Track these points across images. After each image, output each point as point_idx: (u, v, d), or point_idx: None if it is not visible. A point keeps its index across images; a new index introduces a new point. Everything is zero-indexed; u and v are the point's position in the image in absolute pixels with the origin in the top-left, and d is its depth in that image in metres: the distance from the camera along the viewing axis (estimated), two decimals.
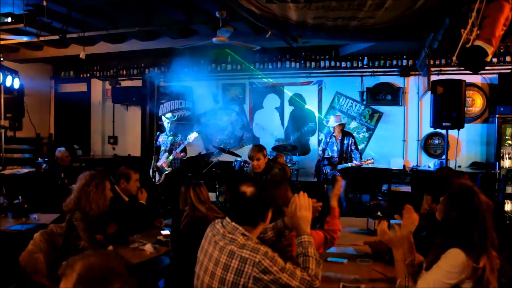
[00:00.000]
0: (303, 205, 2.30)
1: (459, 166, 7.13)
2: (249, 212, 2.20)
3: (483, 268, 2.11)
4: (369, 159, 6.83)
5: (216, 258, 2.11)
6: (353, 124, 8.34)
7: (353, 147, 7.06)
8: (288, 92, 8.81)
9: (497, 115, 6.86)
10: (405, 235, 2.55)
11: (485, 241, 2.16)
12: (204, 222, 3.21)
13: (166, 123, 7.15)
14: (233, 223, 2.18)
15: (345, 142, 7.09)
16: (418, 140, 8.05)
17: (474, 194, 2.25)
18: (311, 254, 2.21)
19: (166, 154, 6.99)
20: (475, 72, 6.59)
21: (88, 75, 10.06)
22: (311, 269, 2.15)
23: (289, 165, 7.74)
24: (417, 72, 7.83)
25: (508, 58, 7.28)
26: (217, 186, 6.18)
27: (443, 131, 6.62)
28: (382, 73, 8.20)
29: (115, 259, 1.43)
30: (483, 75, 7.56)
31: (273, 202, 2.31)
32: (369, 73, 8.25)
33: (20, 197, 4.78)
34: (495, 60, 7.20)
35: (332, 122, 7.17)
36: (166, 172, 6.88)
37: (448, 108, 5.92)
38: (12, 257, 3.53)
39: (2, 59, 6.68)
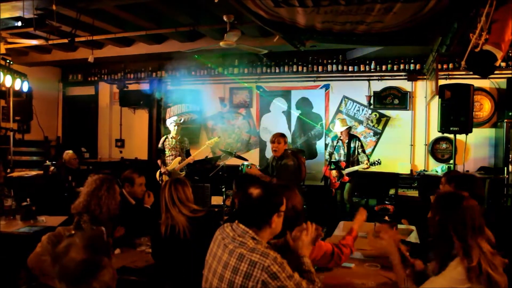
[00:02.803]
0: (310, 234, 2.39)
1: (467, 171, 7.07)
2: (254, 214, 2.20)
3: (479, 264, 2.11)
4: (376, 160, 6.82)
5: (225, 261, 2.12)
6: (360, 129, 8.32)
7: (360, 150, 7.04)
8: (295, 96, 8.81)
9: (506, 120, 6.81)
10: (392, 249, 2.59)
11: (466, 241, 2.17)
12: (180, 230, 3.15)
13: (173, 126, 7.17)
14: (242, 226, 2.19)
15: (352, 145, 7.08)
16: (426, 145, 8.01)
17: (454, 198, 2.31)
18: (314, 271, 2.27)
19: (178, 158, 6.99)
20: (484, 76, 6.56)
21: (96, 78, 10.12)
22: (317, 282, 2.22)
23: None
24: (425, 76, 7.80)
25: None
26: (223, 190, 6.18)
27: (451, 136, 6.59)
28: (390, 77, 8.18)
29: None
30: (491, 80, 7.51)
31: (281, 207, 2.29)
32: (377, 77, 8.23)
33: (28, 199, 4.81)
34: (503, 64, 7.15)
35: (338, 126, 7.16)
36: (179, 176, 6.90)
37: (456, 113, 5.89)
38: (20, 260, 3.55)
39: (11, 62, 6.74)
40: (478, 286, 2.11)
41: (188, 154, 7.17)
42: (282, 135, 5.52)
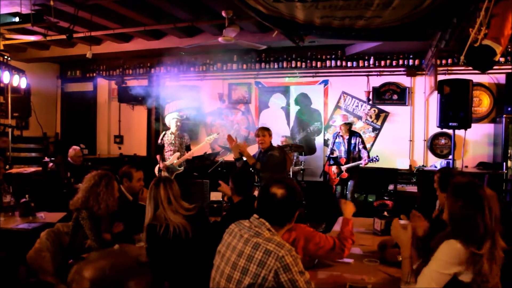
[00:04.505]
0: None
1: (466, 166, 7.09)
2: (278, 213, 2.24)
3: (484, 255, 2.12)
4: (374, 157, 6.84)
5: (240, 250, 2.13)
6: (359, 124, 8.31)
7: (360, 146, 7.04)
8: (294, 92, 8.80)
9: (505, 115, 6.81)
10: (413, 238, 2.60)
11: (489, 228, 2.16)
12: (181, 230, 3.15)
13: (173, 122, 7.15)
14: (260, 219, 2.21)
15: (352, 141, 7.08)
16: (425, 140, 8.01)
17: (476, 185, 2.30)
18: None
19: (177, 154, 6.97)
20: (483, 71, 6.54)
21: (94, 74, 10.09)
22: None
23: (294, 166, 7.75)
24: (424, 72, 7.79)
25: None
26: None
27: (450, 131, 6.59)
28: (389, 73, 8.17)
29: (124, 257, 1.39)
30: (490, 75, 7.51)
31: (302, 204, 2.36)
32: (376, 73, 8.23)
33: (27, 196, 4.80)
34: (502, 59, 7.15)
35: (339, 121, 7.16)
36: (178, 172, 6.89)
37: (455, 108, 5.89)
38: (20, 256, 3.55)
39: (9, 58, 6.72)
40: (467, 271, 2.14)
41: (188, 149, 7.14)
42: (266, 128, 5.72)
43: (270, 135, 5.70)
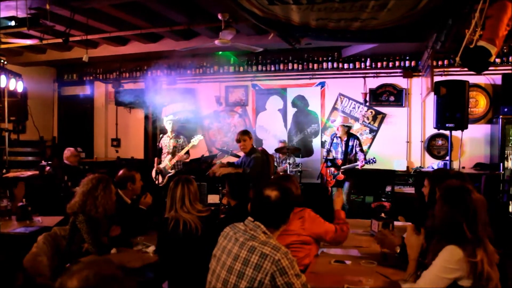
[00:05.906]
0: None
1: (463, 167, 7.10)
2: (273, 215, 2.25)
3: (481, 262, 2.12)
4: (371, 159, 6.83)
5: (235, 254, 2.13)
6: (356, 126, 8.32)
7: (357, 149, 7.02)
8: (291, 94, 8.81)
9: (501, 116, 6.83)
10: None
11: (477, 235, 2.17)
12: (192, 227, 3.19)
13: (168, 125, 7.14)
14: (255, 222, 2.22)
15: (350, 143, 7.07)
16: (422, 141, 8.03)
17: (464, 190, 2.30)
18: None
19: (169, 156, 6.97)
20: (479, 72, 6.54)
21: (91, 78, 10.09)
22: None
23: (291, 168, 7.75)
24: (420, 73, 7.81)
25: (511, 59, 7.26)
26: (220, 188, 6.17)
27: (447, 132, 6.60)
28: (385, 75, 8.19)
29: (107, 265, 1.39)
30: (487, 76, 7.53)
31: (295, 205, 2.42)
32: (372, 75, 8.24)
33: (23, 200, 4.79)
34: (498, 60, 7.18)
35: (338, 121, 7.15)
36: (169, 174, 6.87)
37: (452, 109, 5.90)
38: (17, 260, 3.54)
39: (5, 62, 6.70)
40: (467, 277, 2.14)
41: (187, 152, 7.13)
42: (245, 132, 5.77)
43: (251, 138, 5.75)
